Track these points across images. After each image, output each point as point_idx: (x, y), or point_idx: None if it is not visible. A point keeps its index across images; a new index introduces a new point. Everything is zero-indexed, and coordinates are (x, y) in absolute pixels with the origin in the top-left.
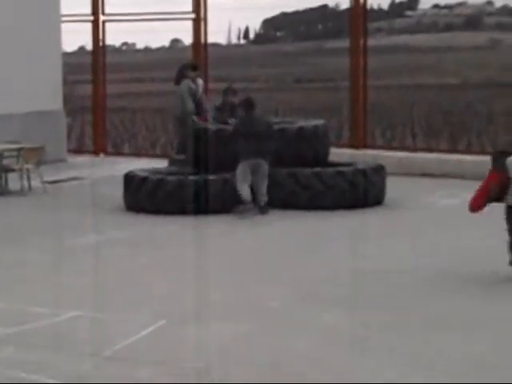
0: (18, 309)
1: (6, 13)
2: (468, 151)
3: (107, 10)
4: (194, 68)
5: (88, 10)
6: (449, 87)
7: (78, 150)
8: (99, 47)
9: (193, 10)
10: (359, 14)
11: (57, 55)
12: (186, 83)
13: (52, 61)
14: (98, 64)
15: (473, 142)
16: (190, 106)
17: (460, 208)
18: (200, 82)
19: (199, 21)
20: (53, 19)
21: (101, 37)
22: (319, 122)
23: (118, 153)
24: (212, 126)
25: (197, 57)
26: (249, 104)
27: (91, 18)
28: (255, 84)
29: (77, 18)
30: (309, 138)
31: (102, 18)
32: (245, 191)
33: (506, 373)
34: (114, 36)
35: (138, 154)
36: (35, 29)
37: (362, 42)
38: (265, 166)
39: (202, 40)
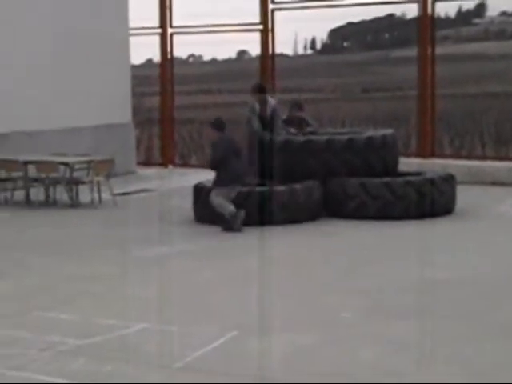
0: (88, 321)
1: (76, 27)
2: None
3: (175, 22)
4: (260, 90)
5: (154, 23)
6: None
7: (147, 162)
8: (167, 59)
9: (260, 21)
10: (427, 23)
11: (126, 68)
12: (251, 104)
13: (121, 74)
14: (165, 76)
15: None
16: (256, 125)
17: None
18: (271, 101)
19: (267, 32)
20: (122, 33)
21: (168, 49)
22: (388, 131)
23: (186, 164)
24: (279, 137)
25: (264, 68)
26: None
27: (159, 30)
28: (322, 94)
29: (145, 31)
30: (378, 148)
31: (169, 30)
32: (226, 204)
33: None
34: (181, 48)
35: (205, 165)
36: (104, 42)
37: (429, 50)
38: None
39: (270, 51)
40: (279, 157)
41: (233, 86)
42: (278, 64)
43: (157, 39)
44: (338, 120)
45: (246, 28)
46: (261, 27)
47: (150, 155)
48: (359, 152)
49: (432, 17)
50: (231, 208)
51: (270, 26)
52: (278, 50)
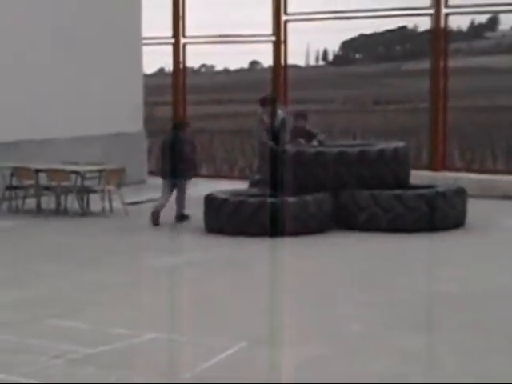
0: (97, 329)
1: (89, 36)
2: None
3: (187, 32)
4: (270, 102)
5: (168, 32)
6: None
7: (158, 172)
8: (179, 69)
9: (273, 32)
10: (440, 36)
11: (138, 77)
12: (259, 115)
13: (133, 83)
14: (178, 85)
15: None
16: (261, 136)
17: None
18: (280, 113)
19: (279, 43)
20: (134, 42)
21: (181, 59)
22: (399, 144)
23: (197, 175)
24: (290, 149)
25: (276, 79)
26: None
27: (172, 40)
28: (333, 105)
29: (158, 41)
30: (389, 161)
31: (182, 40)
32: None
33: None
34: (194, 58)
35: (216, 175)
36: (117, 52)
37: (442, 63)
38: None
39: (282, 62)
40: (290, 168)
41: (244, 97)
42: (290, 75)
43: (170, 49)
44: (349, 132)
45: (258, 39)
46: (273, 38)
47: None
48: (371, 164)
49: (445, 30)
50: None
51: (282, 38)
52: (290, 61)
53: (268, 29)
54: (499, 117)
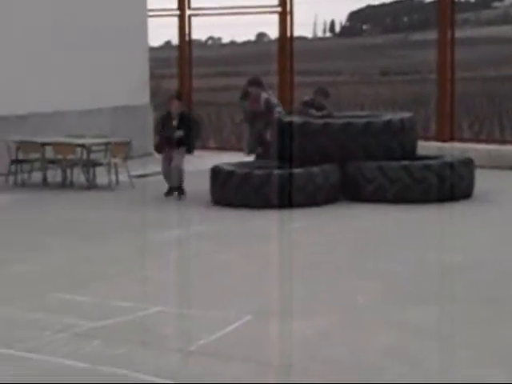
0: (103, 303)
1: (94, 9)
2: None
3: (193, 4)
4: (254, 83)
5: (173, 4)
6: None
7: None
8: (185, 42)
9: (279, 3)
10: (447, 6)
11: (144, 50)
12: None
13: (139, 56)
14: (184, 58)
15: None
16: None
17: None
18: (264, 95)
19: (285, 14)
20: (140, 14)
21: (187, 31)
22: (406, 115)
23: (204, 147)
24: (297, 119)
25: (283, 50)
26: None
27: (177, 12)
28: (341, 77)
29: (163, 13)
30: (396, 132)
31: (188, 12)
32: None
33: None
34: (200, 30)
35: (223, 148)
36: (123, 24)
37: (449, 34)
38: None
39: (288, 33)
40: (297, 140)
41: (252, 69)
42: (297, 47)
43: (175, 21)
44: (357, 103)
45: (264, 10)
46: (279, 9)
47: None
48: (377, 135)
49: (452, 0)
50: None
51: (288, 8)
52: (296, 33)
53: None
54: (506, 87)
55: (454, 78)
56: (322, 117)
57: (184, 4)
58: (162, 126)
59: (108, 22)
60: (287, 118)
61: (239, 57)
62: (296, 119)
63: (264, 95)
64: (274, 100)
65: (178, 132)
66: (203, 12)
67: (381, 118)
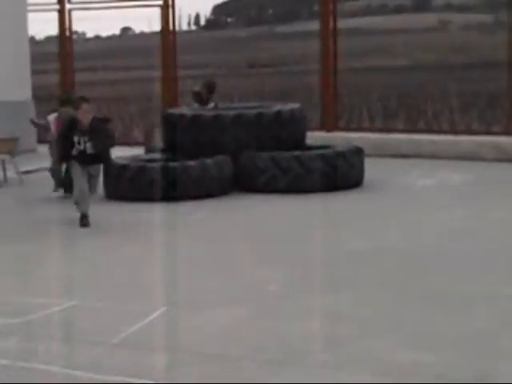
0: (16, 300)
1: None
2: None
3: None
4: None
5: None
6: (400, 69)
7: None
8: (65, 36)
9: None
10: None
11: (24, 45)
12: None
13: (19, 51)
14: (65, 53)
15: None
16: None
17: (438, 188)
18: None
19: (167, 8)
20: (19, 8)
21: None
22: (295, 105)
23: None
24: (188, 112)
25: (165, 44)
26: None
27: (57, 6)
28: (208, 70)
29: (44, 8)
30: (286, 122)
31: (68, 6)
32: None
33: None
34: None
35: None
36: (2, 19)
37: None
38: None
39: (171, 27)
40: (189, 132)
41: (118, 63)
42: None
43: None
44: (226, 95)
45: (146, 3)
46: (161, 2)
47: None
48: (268, 126)
49: None
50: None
51: (170, 2)
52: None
53: None
54: (372, 78)
55: (336, 69)
56: (213, 109)
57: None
58: (67, 136)
59: None
60: (178, 111)
61: (104, 51)
62: (187, 112)
63: None
64: None
65: (89, 146)
66: (83, 6)
67: (271, 108)
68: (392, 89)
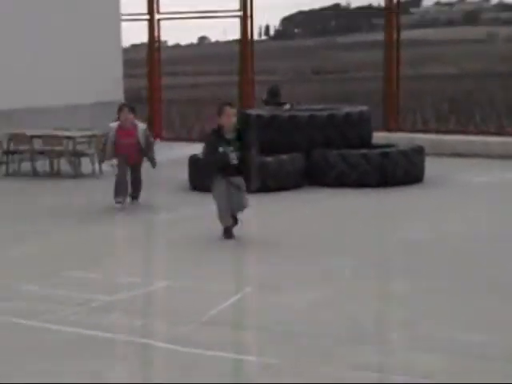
0: (113, 280)
1: (75, 15)
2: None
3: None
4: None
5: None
6: (450, 77)
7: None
8: (154, 44)
9: (240, 8)
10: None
11: (117, 51)
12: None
13: (113, 56)
14: (153, 59)
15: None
16: None
17: (493, 184)
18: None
19: (246, 18)
20: (113, 18)
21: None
22: (364, 107)
23: (171, 138)
24: (265, 113)
25: (244, 51)
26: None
27: (147, 16)
28: (276, 76)
29: (134, 17)
30: (355, 123)
31: (157, 16)
32: None
33: None
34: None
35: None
36: (98, 28)
37: (395, 36)
38: None
39: (249, 36)
40: (266, 131)
41: (196, 69)
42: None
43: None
44: (292, 99)
45: (227, 14)
46: (241, 13)
47: None
48: (339, 126)
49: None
50: None
51: (249, 13)
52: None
53: (234, 5)
54: (425, 84)
55: (399, 76)
56: (289, 110)
57: (153, 8)
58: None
59: (85, 25)
60: (255, 112)
61: (184, 58)
62: (264, 113)
63: None
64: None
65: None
66: (171, 16)
67: (341, 110)
68: (443, 94)
